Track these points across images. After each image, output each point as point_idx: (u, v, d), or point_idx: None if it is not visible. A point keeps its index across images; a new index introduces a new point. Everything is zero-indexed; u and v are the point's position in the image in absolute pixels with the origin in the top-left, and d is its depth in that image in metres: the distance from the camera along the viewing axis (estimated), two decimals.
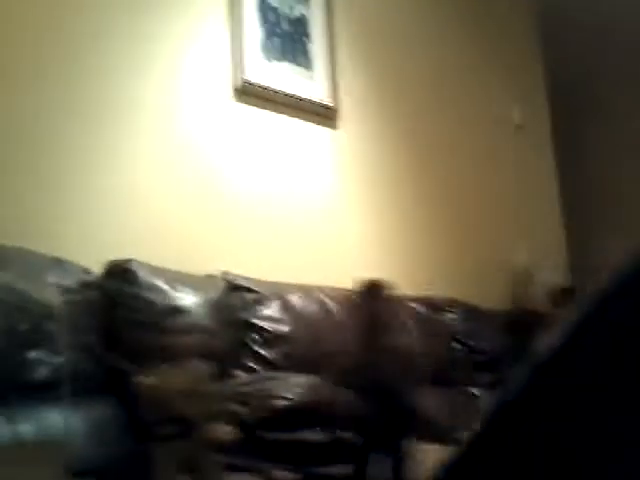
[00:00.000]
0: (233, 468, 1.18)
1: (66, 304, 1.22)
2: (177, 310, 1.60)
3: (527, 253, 2.98)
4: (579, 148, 3.82)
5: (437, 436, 0.75)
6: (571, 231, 3.29)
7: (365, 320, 0.83)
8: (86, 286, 1.58)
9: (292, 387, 1.42)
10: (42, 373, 1.43)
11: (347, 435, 1.13)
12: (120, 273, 1.64)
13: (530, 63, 3.27)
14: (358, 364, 0.82)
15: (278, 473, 0.83)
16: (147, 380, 0.71)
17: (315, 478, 0.73)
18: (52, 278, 1.51)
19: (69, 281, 1.54)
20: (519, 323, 1.03)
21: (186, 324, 0.77)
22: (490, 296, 2.34)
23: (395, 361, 0.83)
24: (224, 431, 0.70)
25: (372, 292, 0.82)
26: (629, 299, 0.23)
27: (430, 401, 0.77)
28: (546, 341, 0.25)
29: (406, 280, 2.41)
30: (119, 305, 1.61)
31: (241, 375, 1.65)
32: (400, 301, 2.25)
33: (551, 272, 3.04)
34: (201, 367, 0.78)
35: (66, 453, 0.98)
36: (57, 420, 1.35)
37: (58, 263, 1.56)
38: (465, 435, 0.27)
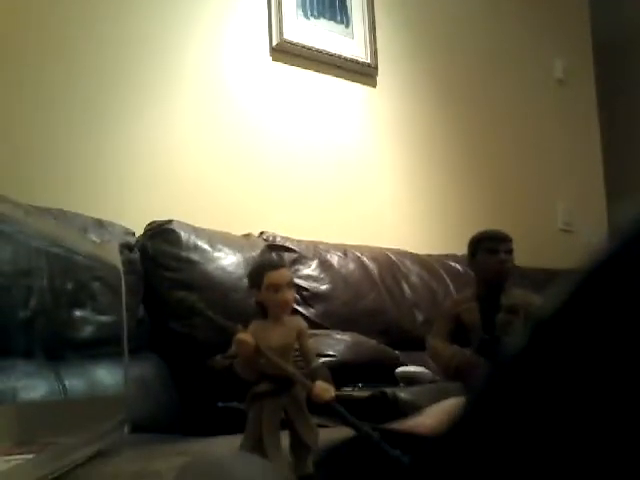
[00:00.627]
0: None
1: (124, 264, 1.24)
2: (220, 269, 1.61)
3: (566, 213, 2.93)
4: (624, 105, 3.70)
5: None
6: (613, 191, 3.21)
7: (487, 276, 0.81)
8: (128, 247, 1.60)
9: (334, 344, 1.43)
10: (88, 331, 1.47)
11: (390, 391, 1.13)
12: (161, 233, 1.66)
13: (576, 17, 3.15)
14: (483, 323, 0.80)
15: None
16: (244, 337, 0.71)
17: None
18: (96, 239, 1.53)
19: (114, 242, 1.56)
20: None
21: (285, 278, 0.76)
22: (530, 255, 2.31)
23: (517, 320, 0.81)
24: (323, 388, 0.70)
25: (496, 245, 0.79)
26: (633, 257, 0.22)
27: None
28: (548, 299, 0.24)
29: (441, 239, 2.39)
30: (161, 265, 1.63)
31: None
32: (435, 258, 2.25)
33: (591, 232, 2.99)
34: (299, 322, 0.77)
35: (125, 408, 1.01)
36: (103, 376, 1.39)
37: (100, 224, 1.58)
38: (466, 397, 0.26)
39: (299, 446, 0.72)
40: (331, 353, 1.41)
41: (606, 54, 3.41)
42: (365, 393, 1.17)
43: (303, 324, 0.77)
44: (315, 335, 1.54)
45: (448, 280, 2.18)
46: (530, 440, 0.21)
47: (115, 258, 1.17)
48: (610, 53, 3.52)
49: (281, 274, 0.74)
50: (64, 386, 1.32)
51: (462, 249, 2.42)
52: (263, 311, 0.75)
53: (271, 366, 0.71)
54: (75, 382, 1.35)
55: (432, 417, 0.97)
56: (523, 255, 2.23)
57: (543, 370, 0.21)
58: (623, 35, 3.55)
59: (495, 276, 0.79)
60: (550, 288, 0.24)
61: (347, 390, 1.26)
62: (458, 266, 2.24)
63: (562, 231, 2.90)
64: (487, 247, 0.80)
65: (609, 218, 3.12)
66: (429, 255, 2.26)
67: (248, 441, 0.71)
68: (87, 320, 1.47)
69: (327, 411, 0.70)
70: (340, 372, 1.31)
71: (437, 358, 0.85)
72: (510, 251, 0.80)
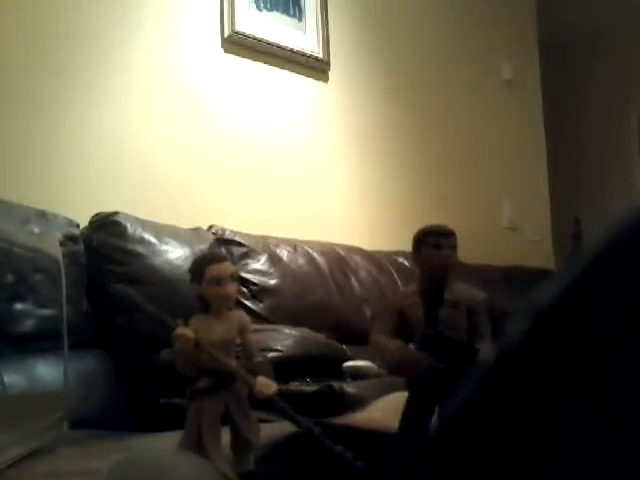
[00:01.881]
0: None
1: (63, 256, 1.20)
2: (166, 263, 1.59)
3: (511, 211, 3.00)
4: (568, 107, 3.81)
5: None
6: (556, 189, 3.30)
7: (430, 270, 0.81)
8: (72, 239, 1.56)
9: (282, 339, 1.43)
10: (28, 325, 1.43)
11: (337, 385, 1.13)
12: (106, 225, 1.62)
13: (524, 19, 3.22)
14: (427, 319, 0.79)
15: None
16: (184, 331, 0.69)
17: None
18: (37, 231, 1.48)
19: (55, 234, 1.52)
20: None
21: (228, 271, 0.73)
22: (474, 252, 2.35)
23: (460, 315, 0.81)
24: (264, 384, 0.68)
25: (439, 240, 0.79)
26: (632, 245, 0.22)
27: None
28: (547, 287, 0.24)
29: (390, 236, 2.42)
30: (106, 258, 1.59)
31: None
32: (384, 254, 2.27)
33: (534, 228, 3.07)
34: (241, 316, 0.76)
35: (65, 404, 0.98)
36: (44, 372, 1.35)
37: (42, 215, 1.54)
38: (464, 386, 0.27)
39: (240, 443, 0.71)
40: (279, 348, 1.41)
41: (553, 56, 3.50)
42: (312, 388, 1.17)
43: (245, 318, 0.75)
44: (263, 330, 1.53)
45: (396, 276, 2.20)
46: (534, 423, 0.21)
47: (55, 250, 1.14)
48: (557, 55, 3.62)
49: (223, 267, 0.73)
50: (2, 382, 1.28)
51: (410, 245, 2.45)
52: (204, 305, 0.74)
53: (212, 361, 0.70)
54: (14, 378, 1.30)
55: (378, 411, 0.98)
56: (469, 252, 2.28)
57: (544, 357, 0.21)
58: (571, 37, 3.66)
59: (439, 271, 0.80)
60: (549, 277, 0.24)
61: (295, 385, 1.26)
62: (406, 262, 2.27)
63: (507, 229, 2.96)
64: (432, 242, 0.80)
65: (552, 217, 3.21)
66: (378, 251, 2.28)
67: (187, 438, 0.69)
68: (27, 313, 1.43)
69: (269, 406, 0.69)
70: (288, 367, 1.31)
71: (380, 353, 0.85)
72: (454, 246, 0.81)
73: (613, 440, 0.21)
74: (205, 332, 0.71)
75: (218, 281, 0.71)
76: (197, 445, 0.68)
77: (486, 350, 0.77)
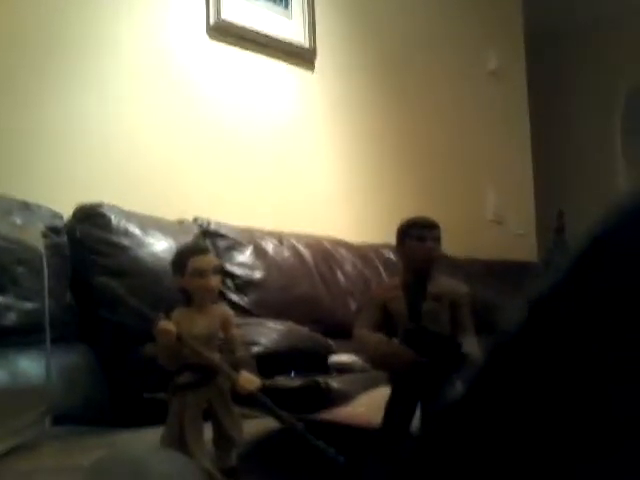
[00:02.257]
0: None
1: (46, 248, 1.18)
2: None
3: (495, 203, 3.01)
4: (553, 98, 3.82)
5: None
6: (541, 182, 3.32)
7: (413, 263, 0.80)
8: (55, 230, 1.55)
9: (267, 333, 1.42)
10: (10, 318, 1.41)
11: (322, 380, 1.13)
12: (90, 217, 1.61)
13: (509, 9, 3.23)
14: (409, 313, 0.79)
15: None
16: (166, 325, 0.68)
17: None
18: (20, 222, 1.47)
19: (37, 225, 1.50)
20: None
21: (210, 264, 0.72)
22: (459, 245, 2.36)
23: (445, 308, 0.80)
24: (247, 379, 0.67)
25: (423, 232, 0.79)
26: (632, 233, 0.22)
27: (477, 349, 0.77)
28: (544, 280, 0.24)
29: (375, 228, 2.42)
30: (89, 250, 1.58)
31: None
32: (370, 247, 2.27)
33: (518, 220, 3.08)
34: (224, 310, 0.74)
35: (47, 399, 0.97)
36: (27, 366, 1.33)
37: (25, 207, 1.52)
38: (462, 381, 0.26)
39: (223, 438, 0.71)
40: (264, 342, 1.40)
41: (538, 46, 3.51)
42: (297, 382, 1.17)
43: (229, 312, 0.75)
44: (248, 323, 1.53)
45: (382, 269, 2.20)
46: (531, 416, 0.21)
47: (38, 241, 1.12)
48: (542, 45, 3.63)
49: (206, 259, 0.72)
50: None
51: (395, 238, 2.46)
52: (187, 298, 0.72)
53: (194, 355, 0.69)
54: None
55: (362, 406, 0.98)
56: (454, 245, 2.29)
57: (542, 348, 0.21)
58: (555, 27, 3.66)
59: (422, 264, 0.80)
60: (546, 269, 0.24)
61: (279, 379, 1.26)
62: (392, 255, 2.27)
63: (492, 222, 2.98)
64: (415, 234, 0.79)
65: (537, 210, 3.23)
66: (364, 244, 2.28)
67: (169, 434, 0.69)
68: (9, 307, 1.41)
69: (252, 402, 0.68)
70: (273, 361, 1.31)
71: (363, 347, 0.85)
72: (437, 239, 0.80)
73: (613, 439, 0.21)
74: (187, 326, 0.70)
75: (201, 273, 0.70)
76: (179, 441, 0.68)
77: (470, 344, 0.78)
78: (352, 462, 0.69)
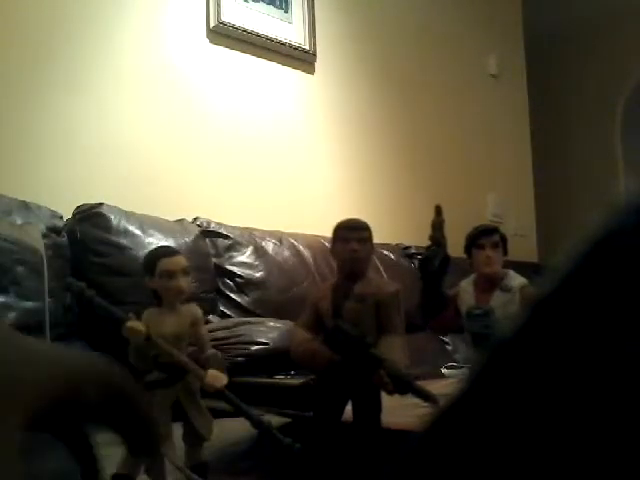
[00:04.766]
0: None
1: (46, 248, 1.18)
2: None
3: (496, 205, 3.01)
4: (554, 101, 3.83)
5: (398, 385, 0.75)
6: (541, 184, 3.32)
7: (342, 264, 0.82)
8: (55, 230, 1.55)
9: (267, 332, 1.42)
10: (10, 318, 1.41)
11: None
12: (90, 217, 1.61)
13: (509, 13, 3.23)
14: (332, 310, 0.81)
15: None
16: (134, 325, 0.69)
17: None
18: (20, 222, 1.47)
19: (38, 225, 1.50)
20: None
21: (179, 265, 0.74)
22: (459, 246, 2.35)
23: (370, 308, 0.81)
24: (214, 376, 0.69)
25: (350, 234, 0.81)
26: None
27: (398, 349, 0.78)
28: (546, 279, 0.24)
29: (374, 228, 2.41)
30: (89, 250, 1.58)
31: (215, 321, 1.65)
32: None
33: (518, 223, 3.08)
34: (194, 310, 0.76)
35: None
36: None
37: (25, 206, 1.52)
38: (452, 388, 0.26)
39: (192, 435, 0.72)
40: (264, 341, 1.40)
41: (538, 48, 3.51)
42: (298, 380, 1.17)
43: (198, 312, 0.76)
44: (249, 323, 1.53)
45: (382, 268, 2.20)
46: (531, 420, 0.21)
47: (38, 241, 1.12)
48: (542, 49, 3.63)
49: (175, 261, 0.73)
50: None
51: (395, 238, 2.47)
52: (157, 299, 0.74)
53: (163, 355, 0.70)
54: None
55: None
56: (454, 246, 2.28)
57: (542, 349, 0.21)
58: (556, 31, 3.67)
59: (347, 265, 0.82)
60: (549, 267, 0.24)
61: (280, 378, 1.26)
62: (391, 255, 2.27)
63: (492, 222, 2.97)
64: (341, 236, 0.82)
65: (537, 210, 3.23)
66: None
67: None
68: (9, 306, 1.41)
69: (220, 398, 0.69)
70: (273, 360, 1.31)
71: (290, 344, 0.87)
72: (364, 240, 0.82)
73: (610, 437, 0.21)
74: (157, 326, 0.71)
75: (170, 275, 0.72)
76: None
77: (390, 343, 0.78)
78: (309, 452, 0.71)
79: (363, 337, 0.76)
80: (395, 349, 0.79)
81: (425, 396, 0.74)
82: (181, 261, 0.74)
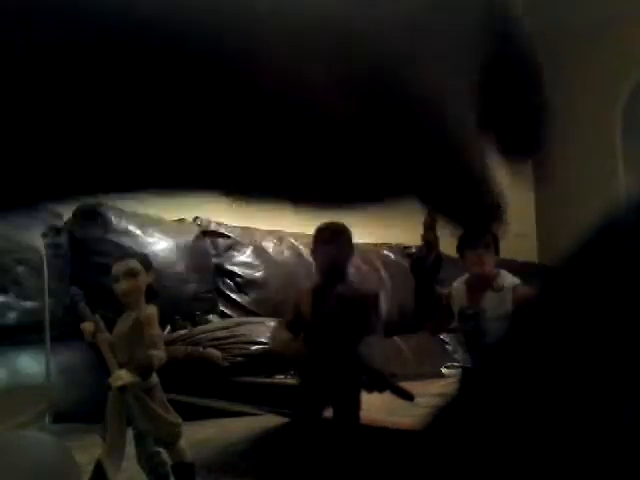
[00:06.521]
0: (209, 412, 1.19)
1: (45, 248, 1.18)
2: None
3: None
4: (553, 99, 3.83)
5: (376, 383, 0.76)
6: (541, 183, 3.32)
7: (321, 266, 0.83)
8: (55, 230, 1.55)
9: (267, 332, 1.42)
10: (11, 317, 1.41)
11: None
12: (90, 217, 1.61)
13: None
14: (315, 312, 0.82)
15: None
16: (85, 326, 0.73)
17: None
18: (19, 222, 1.47)
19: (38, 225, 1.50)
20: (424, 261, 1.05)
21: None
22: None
23: (348, 309, 0.82)
24: (115, 376, 0.70)
25: (329, 236, 0.81)
26: None
27: (386, 350, 0.78)
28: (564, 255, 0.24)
29: (375, 228, 2.42)
30: (89, 250, 1.58)
31: (215, 320, 1.65)
32: (371, 247, 2.27)
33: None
34: (147, 310, 0.77)
35: (47, 397, 0.97)
36: (27, 364, 1.33)
37: None
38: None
39: (138, 435, 0.72)
40: (264, 340, 1.40)
41: (538, 50, 3.51)
42: (297, 381, 1.17)
43: (147, 313, 0.76)
44: (249, 322, 1.53)
45: (382, 268, 2.20)
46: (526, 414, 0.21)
47: (38, 241, 1.13)
48: (542, 49, 3.63)
49: (120, 264, 0.75)
50: None
51: (396, 238, 2.46)
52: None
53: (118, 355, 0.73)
54: None
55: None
56: (453, 246, 2.28)
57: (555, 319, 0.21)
58: (556, 31, 3.67)
59: (324, 267, 0.83)
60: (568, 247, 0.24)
61: (280, 378, 1.27)
62: (392, 255, 2.28)
63: None
64: (320, 238, 0.83)
65: (537, 210, 3.23)
66: (364, 243, 2.28)
67: (102, 429, 0.72)
68: (10, 306, 1.41)
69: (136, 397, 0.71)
70: (273, 360, 1.31)
71: (270, 343, 0.90)
72: (344, 242, 0.83)
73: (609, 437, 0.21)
74: (116, 326, 0.74)
75: (116, 279, 0.74)
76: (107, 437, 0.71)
77: (369, 345, 0.80)
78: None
79: (342, 337, 0.77)
80: (373, 348, 0.80)
81: (403, 394, 0.75)
82: (125, 265, 0.76)
